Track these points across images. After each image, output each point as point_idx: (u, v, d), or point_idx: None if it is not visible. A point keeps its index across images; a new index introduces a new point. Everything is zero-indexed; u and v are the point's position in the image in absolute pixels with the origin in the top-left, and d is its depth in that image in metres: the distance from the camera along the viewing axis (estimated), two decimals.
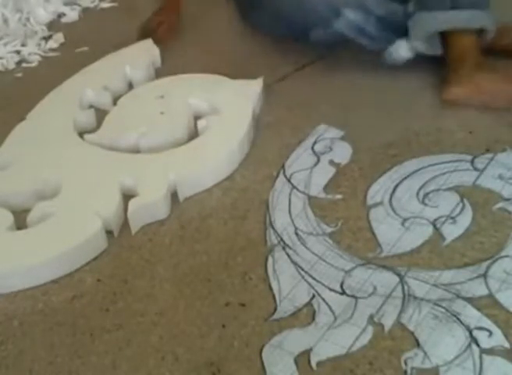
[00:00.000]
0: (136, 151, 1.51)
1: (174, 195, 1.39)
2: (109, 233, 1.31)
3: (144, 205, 1.33)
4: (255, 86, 1.64)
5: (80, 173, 1.42)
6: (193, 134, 1.54)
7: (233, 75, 1.67)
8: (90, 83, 1.72)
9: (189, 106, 1.59)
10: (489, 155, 1.40)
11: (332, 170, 1.43)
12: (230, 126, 1.52)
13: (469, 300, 1.10)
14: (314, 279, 1.18)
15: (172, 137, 1.51)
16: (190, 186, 1.40)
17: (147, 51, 1.84)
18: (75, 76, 1.78)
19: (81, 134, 1.56)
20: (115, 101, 1.68)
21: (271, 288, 1.17)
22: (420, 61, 1.66)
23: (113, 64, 1.81)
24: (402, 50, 1.62)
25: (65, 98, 1.69)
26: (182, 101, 1.61)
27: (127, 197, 1.36)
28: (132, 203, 1.33)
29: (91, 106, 1.69)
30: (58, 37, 2.13)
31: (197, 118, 1.57)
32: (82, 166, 1.44)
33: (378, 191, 1.35)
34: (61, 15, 2.29)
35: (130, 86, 1.76)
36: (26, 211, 1.35)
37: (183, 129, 1.54)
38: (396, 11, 1.58)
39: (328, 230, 1.28)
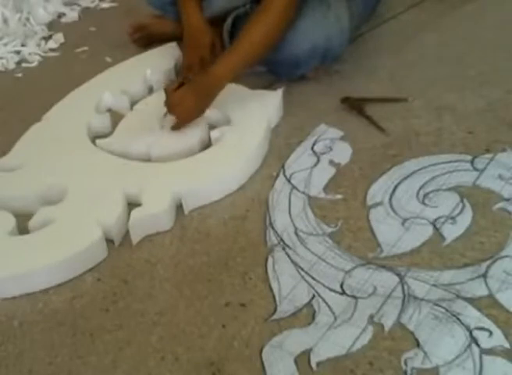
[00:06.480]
0: (147, 158, 1.49)
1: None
2: (111, 241, 1.30)
3: (146, 216, 1.31)
4: (273, 98, 1.61)
5: (87, 179, 1.41)
6: (206, 144, 1.52)
7: None
8: (109, 87, 1.71)
9: (204, 115, 1.55)
10: (489, 155, 1.40)
11: (332, 170, 1.43)
12: (242, 139, 1.48)
13: (469, 300, 1.10)
14: (314, 279, 1.18)
15: (183, 147, 1.48)
16: (196, 198, 1.37)
17: (169, 56, 1.83)
18: (94, 78, 1.77)
19: (95, 138, 1.56)
20: (133, 106, 1.67)
21: (271, 288, 1.17)
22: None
23: (134, 68, 1.80)
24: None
25: (82, 101, 1.68)
26: None
27: (135, 206, 1.34)
28: (134, 213, 1.31)
29: (109, 110, 1.68)
30: (58, 37, 2.13)
31: (211, 127, 1.55)
32: (89, 172, 1.43)
33: (378, 191, 1.35)
34: (61, 15, 2.30)
35: (151, 90, 1.75)
36: (31, 215, 1.34)
37: (195, 139, 1.50)
38: None
39: (328, 230, 1.28)
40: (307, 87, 1.71)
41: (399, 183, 1.36)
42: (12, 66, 2.01)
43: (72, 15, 2.29)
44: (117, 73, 1.79)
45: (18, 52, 2.06)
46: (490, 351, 1.02)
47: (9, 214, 1.35)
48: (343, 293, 1.14)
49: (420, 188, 1.34)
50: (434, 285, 1.13)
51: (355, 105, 1.60)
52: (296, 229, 1.29)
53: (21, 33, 2.12)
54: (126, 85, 1.72)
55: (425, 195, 1.33)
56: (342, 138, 1.52)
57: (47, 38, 2.14)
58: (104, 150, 1.51)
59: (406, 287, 1.14)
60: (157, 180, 1.39)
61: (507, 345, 1.02)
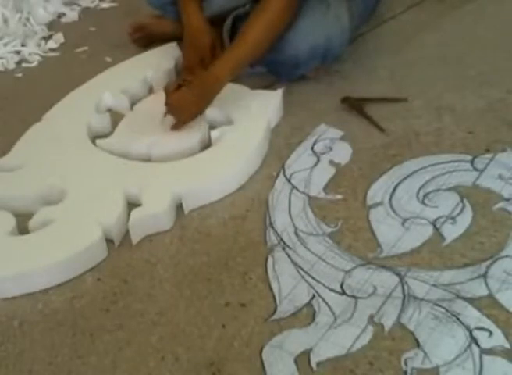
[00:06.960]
0: (147, 158, 1.49)
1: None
2: (111, 241, 1.30)
3: (146, 216, 1.31)
4: (273, 98, 1.61)
5: (87, 179, 1.41)
6: (206, 144, 1.52)
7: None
8: (109, 87, 1.71)
9: (204, 115, 1.56)
10: (489, 155, 1.40)
11: (332, 170, 1.43)
12: (242, 139, 1.48)
13: (469, 300, 1.10)
14: (314, 279, 1.18)
15: (183, 147, 1.48)
16: (196, 198, 1.37)
17: (169, 56, 1.82)
18: (94, 78, 1.77)
19: (95, 138, 1.56)
20: (133, 106, 1.67)
21: (271, 288, 1.17)
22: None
23: (134, 68, 1.80)
24: None
25: (82, 101, 1.68)
26: None
27: (135, 206, 1.34)
28: (134, 213, 1.31)
29: (109, 110, 1.68)
30: (58, 37, 2.13)
31: (212, 127, 1.55)
32: (89, 172, 1.43)
33: (378, 191, 1.35)
34: (61, 15, 2.29)
35: (151, 90, 1.75)
36: (31, 215, 1.34)
37: (195, 139, 1.50)
38: None
39: (328, 230, 1.28)
40: (307, 87, 1.71)
41: (399, 183, 1.36)
42: (12, 66, 2.01)
43: (72, 15, 2.29)
44: (117, 73, 1.79)
45: (18, 52, 2.06)
46: (490, 351, 1.02)
47: (9, 214, 1.35)
48: (343, 293, 1.14)
49: (420, 188, 1.34)
50: (434, 285, 1.13)
51: (355, 105, 1.60)
52: (296, 229, 1.29)
53: (21, 33, 2.11)
54: (126, 85, 1.72)
55: (425, 195, 1.33)
56: (342, 138, 1.52)
57: (47, 38, 2.14)
58: (104, 150, 1.51)
59: (406, 287, 1.14)
60: (157, 180, 1.39)
61: (507, 345, 1.02)
